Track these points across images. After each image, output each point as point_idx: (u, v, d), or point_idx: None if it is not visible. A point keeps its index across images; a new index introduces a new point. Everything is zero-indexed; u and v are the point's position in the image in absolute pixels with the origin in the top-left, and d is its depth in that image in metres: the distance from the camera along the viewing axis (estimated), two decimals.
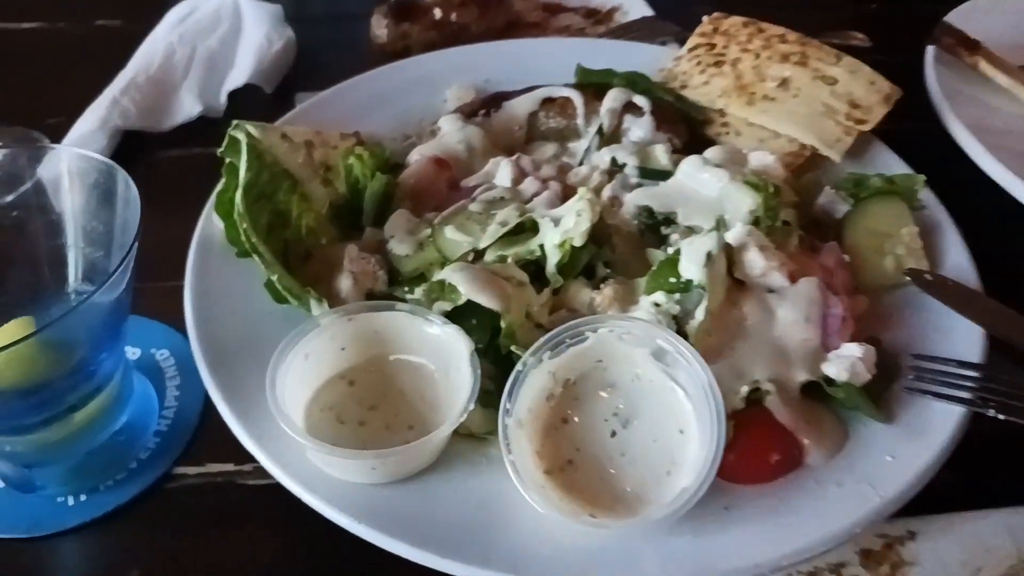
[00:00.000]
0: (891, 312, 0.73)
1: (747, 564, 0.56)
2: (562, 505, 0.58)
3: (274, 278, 0.68)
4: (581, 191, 0.73)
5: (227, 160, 0.73)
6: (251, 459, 0.70)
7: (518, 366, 0.61)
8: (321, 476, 0.61)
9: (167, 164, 1.01)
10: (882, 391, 0.66)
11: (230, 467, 0.72)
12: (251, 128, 0.73)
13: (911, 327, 0.72)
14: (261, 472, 0.70)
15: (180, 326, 0.74)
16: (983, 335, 0.69)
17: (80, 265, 0.71)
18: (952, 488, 0.66)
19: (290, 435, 0.60)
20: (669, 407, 0.62)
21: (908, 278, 0.74)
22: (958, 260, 0.77)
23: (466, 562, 0.56)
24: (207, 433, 0.75)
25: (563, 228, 0.70)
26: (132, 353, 0.79)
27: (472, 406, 0.60)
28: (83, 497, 0.69)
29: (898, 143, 0.90)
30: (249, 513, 0.70)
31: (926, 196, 0.83)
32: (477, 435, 0.64)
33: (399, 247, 0.72)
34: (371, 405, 0.64)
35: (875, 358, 0.65)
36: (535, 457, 0.61)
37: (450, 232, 0.71)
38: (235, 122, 0.75)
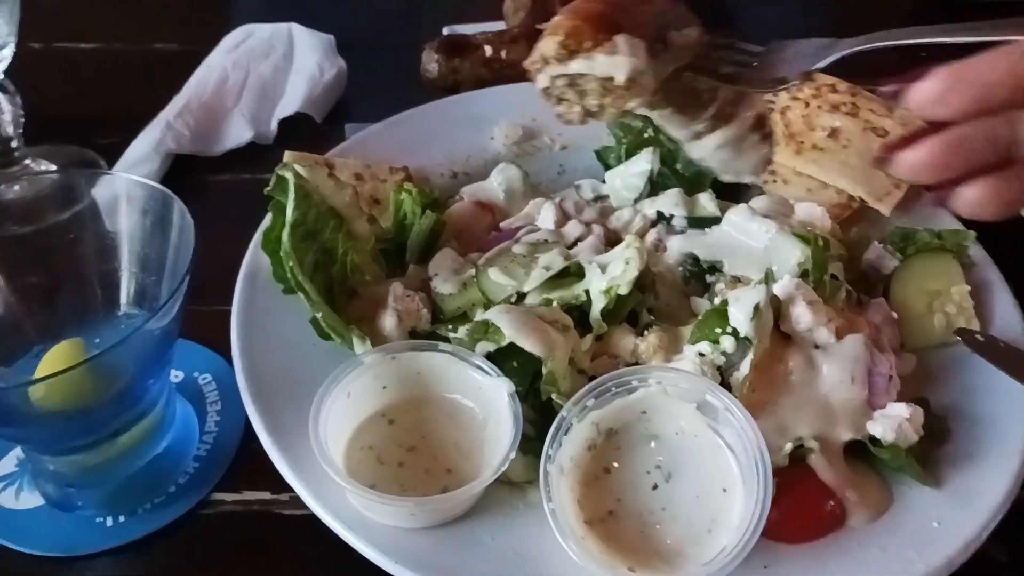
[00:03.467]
0: (939, 372, 0.72)
1: None
2: (601, 558, 0.57)
3: (319, 316, 0.69)
4: (629, 238, 0.73)
5: (274, 198, 0.74)
6: (288, 489, 0.71)
7: (562, 412, 0.61)
8: (359, 514, 0.61)
9: (216, 188, 1.03)
10: (929, 454, 0.65)
11: (267, 495, 0.73)
12: (299, 168, 0.74)
13: (960, 388, 0.70)
14: (297, 503, 0.70)
15: (224, 351, 0.75)
16: None
17: (132, 290, 0.72)
18: (1001, 561, 0.66)
19: (333, 480, 0.60)
20: (714, 464, 0.61)
21: (957, 338, 0.73)
22: (1010, 320, 0.76)
23: None
24: (246, 460, 0.75)
25: (610, 275, 0.70)
26: (175, 376, 0.79)
27: (513, 454, 0.60)
28: (121, 519, 0.70)
29: None
30: (284, 543, 0.70)
31: (976, 252, 0.82)
32: (515, 482, 0.64)
33: (443, 286, 0.72)
34: (410, 446, 0.64)
35: (922, 419, 0.64)
36: (576, 507, 0.60)
37: (494, 274, 0.71)
38: (284, 162, 0.76)
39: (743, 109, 0.66)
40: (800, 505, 0.61)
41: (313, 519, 0.69)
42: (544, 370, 0.64)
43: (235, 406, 0.76)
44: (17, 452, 0.74)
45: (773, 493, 0.59)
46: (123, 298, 0.72)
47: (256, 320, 0.72)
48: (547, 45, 0.58)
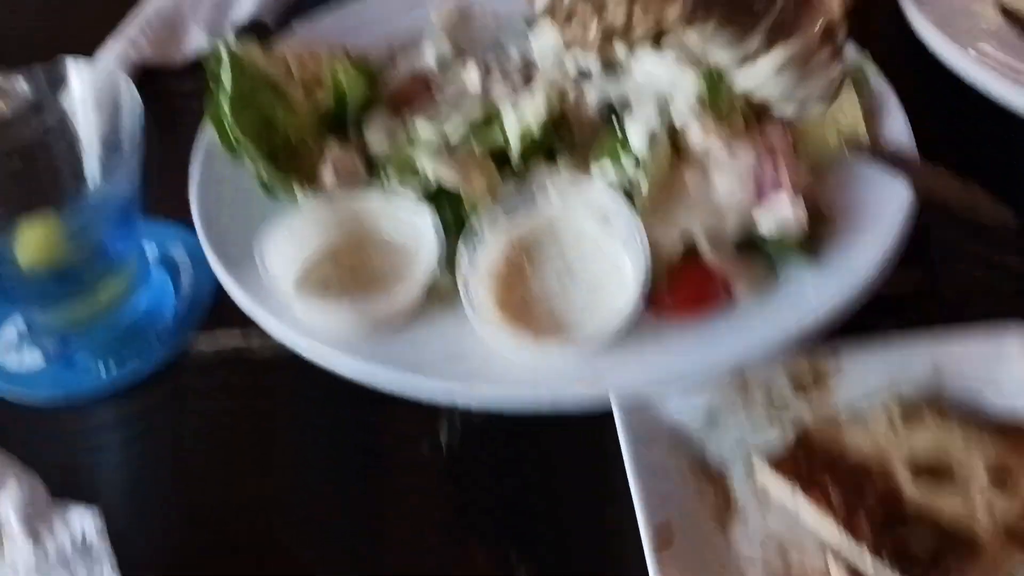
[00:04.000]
0: (829, 180, 0.78)
1: (676, 373, 0.65)
2: (512, 334, 0.67)
3: (262, 174, 0.77)
4: (540, 82, 0.80)
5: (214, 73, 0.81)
6: (257, 332, 0.81)
7: (473, 222, 0.70)
8: (313, 330, 0.70)
9: (181, 97, 1.11)
10: (812, 241, 0.73)
11: (239, 340, 0.82)
12: (232, 43, 0.81)
13: (847, 190, 0.77)
14: (264, 344, 0.81)
15: (194, 229, 0.82)
16: (914, 195, 0.75)
17: (96, 168, 0.80)
18: (877, 325, 0.74)
19: (283, 298, 0.70)
20: (610, 258, 0.70)
21: (848, 149, 0.80)
22: (898, 132, 0.82)
23: (440, 378, 0.66)
24: (218, 315, 0.85)
25: (523, 115, 0.77)
26: (150, 250, 0.89)
27: (438, 266, 0.69)
28: (113, 369, 0.80)
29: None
30: (255, 375, 0.80)
31: (874, 80, 0.88)
32: (444, 298, 0.72)
33: (375, 139, 0.80)
34: (353, 277, 0.73)
35: (805, 213, 0.72)
36: (494, 303, 0.69)
37: (421, 126, 0.79)
38: (217, 40, 0.83)
39: (807, 17, 0.55)
40: (691, 289, 0.70)
41: (276, 356, 0.80)
42: (465, 202, 0.73)
43: (206, 272, 0.86)
44: (18, 324, 0.84)
45: (663, 277, 0.68)
46: (89, 176, 0.80)
47: (212, 181, 0.81)
48: None
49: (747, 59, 0.56)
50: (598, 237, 0.71)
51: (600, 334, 0.67)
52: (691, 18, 0.53)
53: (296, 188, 0.76)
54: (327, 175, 0.78)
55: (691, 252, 0.71)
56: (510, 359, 0.68)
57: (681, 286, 0.70)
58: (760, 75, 0.57)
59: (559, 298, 0.70)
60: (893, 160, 0.79)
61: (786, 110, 0.59)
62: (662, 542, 0.62)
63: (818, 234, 0.74)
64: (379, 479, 0.73)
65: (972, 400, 0.70)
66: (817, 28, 0.55)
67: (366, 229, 0.75)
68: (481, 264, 0.70)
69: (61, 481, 0.69)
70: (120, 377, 0.80)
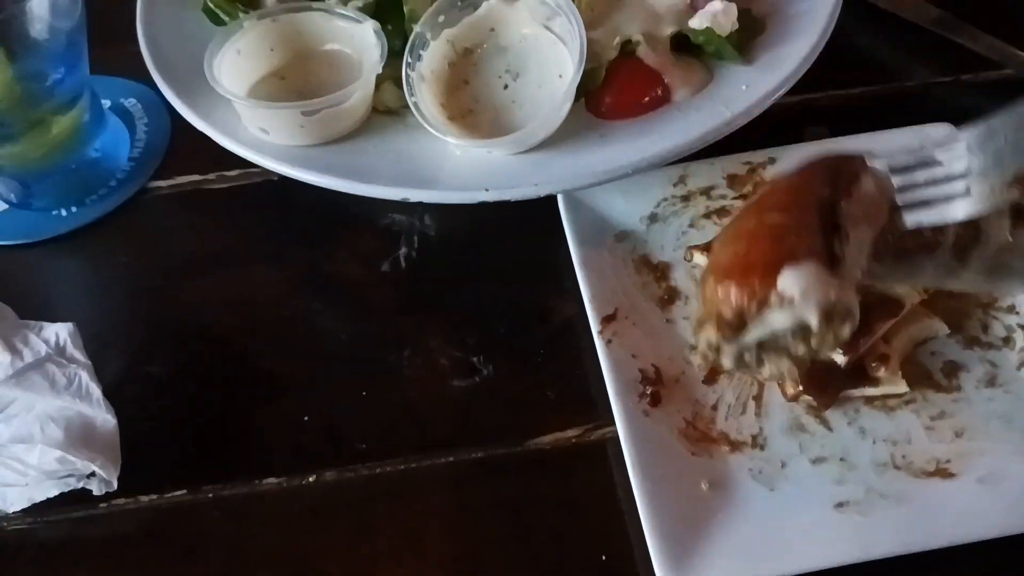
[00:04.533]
0: None
1: (617, 166, 0.68)
2: (461, 135, 0.69)
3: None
4: None
5: None
6: (214, 169, 0.84)
7: (416, 28, 0.72)
8: (258, 138, 0.72)
9: None
10: (746, 42, 0.75)
11: (196, 177, 0.84)
12: None
13: None
14: (223, 179, 0.84)
15: (148, 82, 0.82)
16: None
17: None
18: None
19: (227, 115, 0.72)
20: (551, 56, 0.72)
21: None
22: None
23: (380, 184, 0.68)
24: (174, 158, 0.86)
25: None
26: (104, 103, 0.89)
27: (383, 63, 0.71)
28: (73, 209, 0.82)
29: None
30: (216, 209, 0.82)
31: None
32: (395, 111, 0.75)
33: None
34: (300, 93, 0.74)
35: (735, 12, 0.74)
36: (439, 108, 0.72)
37: None
38: None
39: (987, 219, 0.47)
40: (630, 88, 0.72)
41: (234, 190, 0.83)
42: (406, 10, 0.74)
43: (160, 118, 0.89)
44: None
45: (600, 78, 0.71)
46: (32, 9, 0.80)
47: (158, 19, 0.81)
48: (705, 336, 0.47)
49: (949, 274, 0.50)
50: (540, 37, 0.72)
51: (542, 132, 0.69)
52: (872, 279, 0.49)
53: (240, 11, 0.77)
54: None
55: (630, 54, 0.73)
56: (457, 160, 0.70)
57: (620, 87, 0.72)
58: (970, 283, 0.52)
59: (503, 99, 0.72)
60: None
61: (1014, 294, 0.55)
62: (607, 328, 0.67)
63: (750, 35, 0.76)
64: (342, 299, 0.76)
65: None
66: (1004, 215, 0.48)
67: (310, 45, 0.76)
68: (425, 69, 0.72)
69: (28, 314, 0.71)
70: (80, 217, 0.82)
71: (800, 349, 0.46)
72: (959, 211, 0.47)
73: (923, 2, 0.82)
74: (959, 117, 0.80)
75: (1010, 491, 0.57)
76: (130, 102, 0.91)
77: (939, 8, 0.82)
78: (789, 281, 0.45)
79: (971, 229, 0.49)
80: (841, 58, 0.84)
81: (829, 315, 0.45)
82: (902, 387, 0.62)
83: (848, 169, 0.50)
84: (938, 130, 0.77)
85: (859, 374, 0.62)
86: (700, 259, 0.70)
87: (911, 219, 0.47)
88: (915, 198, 0.47)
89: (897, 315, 0.64)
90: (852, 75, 0.89)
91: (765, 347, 0.47)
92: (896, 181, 0.48)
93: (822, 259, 0.45)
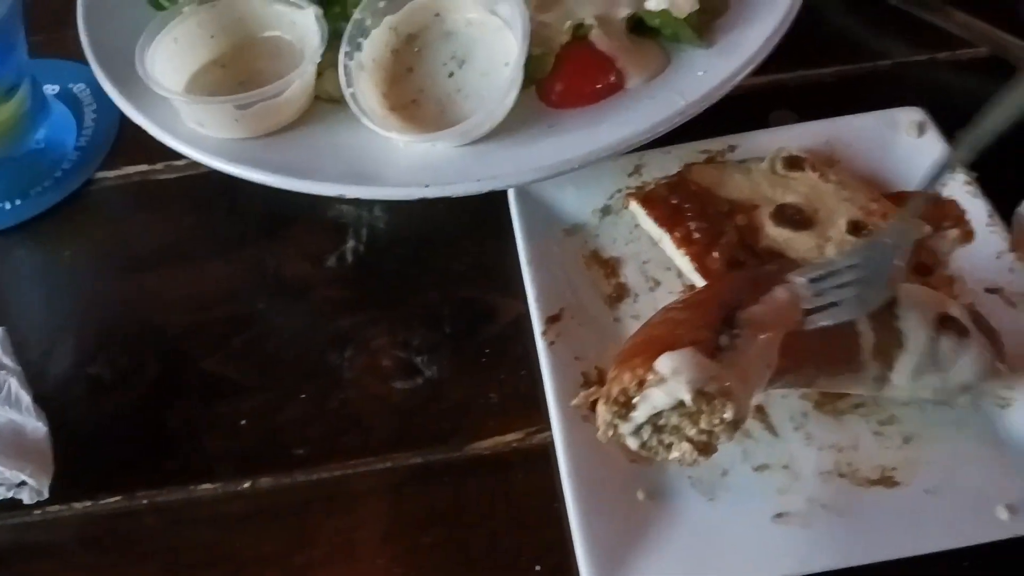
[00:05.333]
0: None
1: (563, 160, 0.65)
2: (401, 128, 0.67)
3: None
4: None
5: None
6: (162, 159, 0.82)
7: (355, 15, 0.68)
8: (196, 133, 0.69)
9: None
10: (707, 24, 0.72)
11: (144, 167, 0.82)
12: None
13: None
14: (171, 169, 0.82)
15: None
16: None
17: None
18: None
19: (165, 107, 0.69)
20: (497, 43, 0.69)
21: None
22: None
23: (315, 179, 0.65)
24: (122, 147, 0.85)
25: None
26: (51, 89, 0.88)
27: (319, 58, 0.68)
28: (18, 202, 0.80)
29: None
30: (163, 202, 0.81)
31: None
32: (338, 99, 0.71)
33: None
34: (240, 81, 0.72)
35: None
36: (381, 98, 0.69)
37: None
38: None
39: (907, 318, 0.54)
40: (581, 75, 0.69)
41: (182, 180, 0.81)
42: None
43: (107, 105, 0.84)
44: None
45: (548, 65, 0.68)
46: None
47: (98, 3, 0.78)
48: (601, 413, 0.51)
49: (879, 382, 0.55)
50: (487, 23, 0.69)
51: (486, 124, 0.66)
52: (783, 384, 0.54)
53: None
54: None
55: (582, 39, 0.70)
56: (399, 154, 0.67)
57: (571, 74, 0.69)
58: (904, 390, 0.56)
59: (448, 88, 0.69)
60: None
61: (959, 402, 0.58)
62: (551, 329, 0.64)
63: (712, 16, 0.72)
64: (286, 297, 0.73)
65: (867, 168, 0.72)
66: (925, 321, 0.54)
67: (250, 32, 0.73)
68: (366, 58, 0.69)
69: None
70: (24, 211, 0.80)
71: (691, 429, 0.49)
72: (844, 314, 0.53)
73: None
74: (934, 96, 0.79)
75: (954, 502, 0.56)
76: (79, 87, 0.88)
77: None
78: (664, 362, 0.49)
79: (893, 335, 0.55)
80: (814, 38, 0.82)
81: (704, 394, 0.48)
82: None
83: (765, 280, 0.55)
84: (907, 114, 0.74)
85: None
86: (636, 208, 0.69)
87: (809, 321, 0.53)
88: (818, 304, 0.54)
89: None
90: (825, 55, 0.85)
91: (660, 429, 0.50)
92: (808, 290, 0.54)
93: (702, 347, 0.49)
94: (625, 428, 0.50)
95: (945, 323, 0.54)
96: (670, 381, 0.47)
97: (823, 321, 0.53)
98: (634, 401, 0.48)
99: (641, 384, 0.48)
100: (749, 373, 0.49)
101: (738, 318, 0.50)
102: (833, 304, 0.53)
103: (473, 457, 0.63)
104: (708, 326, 0.49)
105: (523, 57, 0.64)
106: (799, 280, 0.54)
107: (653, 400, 0.48)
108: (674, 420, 0.49)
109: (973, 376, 0.55)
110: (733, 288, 0.54)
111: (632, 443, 0.51)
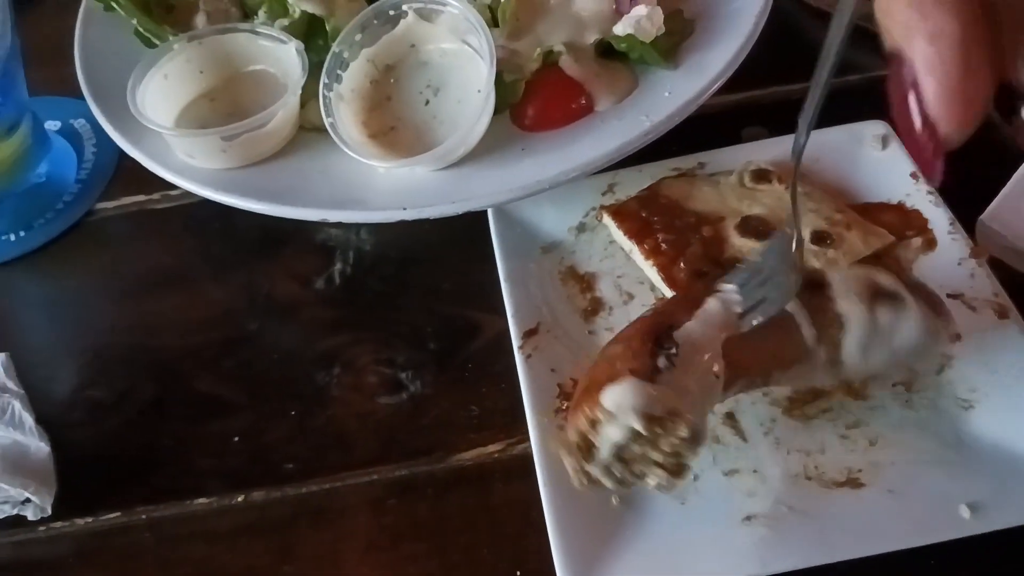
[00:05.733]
0: None
1: (535, 181, 0.67)
2: (380, 155, 0.70)
3: (134, 22, 0.78)
4: None
5: None
6: (157, 188, 0.85)
7: (334, 48, 0.72)
8: (185, 163, 0.73)
9: None
10: (674, 46, 0.74)
11: (141, 197, 0.86)
12: None
13: None
14: (167, 198, 0.85)
15: None
16: None
17: None
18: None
19: (159, 140, 0.72)
20: (470, 71, 0.72)
21: None
22: None
23: (299, 205, 0.68)
24: (120, 178, 0.89)
25: None
26: (52, 124, 0.92)
27: (299, 91, 0.71)
28: (22, 233, 0.84)
29: None
30: (160, 229, 0.84)
31: None
32: (321, 128, 0.74)
33: None
34: (228, 114, 0.75)
35: (661, 17, 0.73)
36: (360, 126, 0.72)
37: None
38: None
39: (841, 300, 0.54)
40: (551, 100, 0.72)
41: (178, 209, 0.84)
42: (328, 28, 0.74)
43: (107, 139, 0.88)
44: None
45: (519, 92, 0.71)
46: None
47: (95, 41, 0.82)
48: (568, 464, 0.52)
49: (832, 364, 0.55)
50: (460, 53, 0.72)
51: (460, 148, 0.69)
52: (737, 390, 0.55)
53: (169, 33, 0.77)
54: (199, 20, 0.79)
55: (553, 65, 0.73)
56: (379, 179, 0.70)
57: (542, 99, 0.72)
58: (858, 367, 0.56)
59: (425, 115, 0.72)
60: None
61: (918, 366, 0.60)
62: (528, 343, 0.67)
63: (679, 38, 0.75)
64: (277, 319, 0.77)
65: (834, 180, 0.74)
66: (856, 292, 0.55)
67: (236, 66, 0.77)
68: (345, 89, 0.72)
69: None
70: (28, 241, 0.83)
71: (656, 454, 0.50)
72: (772, 307, 0.54)
73: None
74: None
75: (918, 501, 0.57)
76: (79, 122, 0.92)
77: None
78: (608, 397, 0.50)
79: (832, 319, 0.55)
80: (785, 54, 0.83)
81: (653, 418, 0.49)
82: None
83: (696, 296, 0.56)
84: (871, 128, 0.76)
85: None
86: (608, 220, 0.72)
87: (744, 324, 0.54)
88: (749, 304, 0.55)
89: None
90: (796, 71, 0.86)
91: (627, 461, 0.51)
92: (737, 294, 0.55)
93: (640, 374, 0.50)
94: (594, 470, 0.51)
95: (878, 294, 0.54)
96: (618, 414, 0.48)
97: (757, 319, 0.54)
98: (594, 442, 0.50)
99: (594, 424, 0.49)
100: (695, 387, 0.50)
101: (673, 337, 0.51)
102: (763, 300, 0.54)
103: (455, 469, 0.65)
104: (643, 353, 0.50)
105: (491, 86, 0.67)
106: (727, 287, 0.56)
107: (610, 436, 0.49)
108: (636, 449, 0.49)
109: (917, 339, 0.55)
110: (664, 311, 0.55)
111: (607, 482, 0.51)
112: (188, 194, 0.82)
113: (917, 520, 0.57)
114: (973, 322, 0.64)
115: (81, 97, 0.91)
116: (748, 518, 0.58)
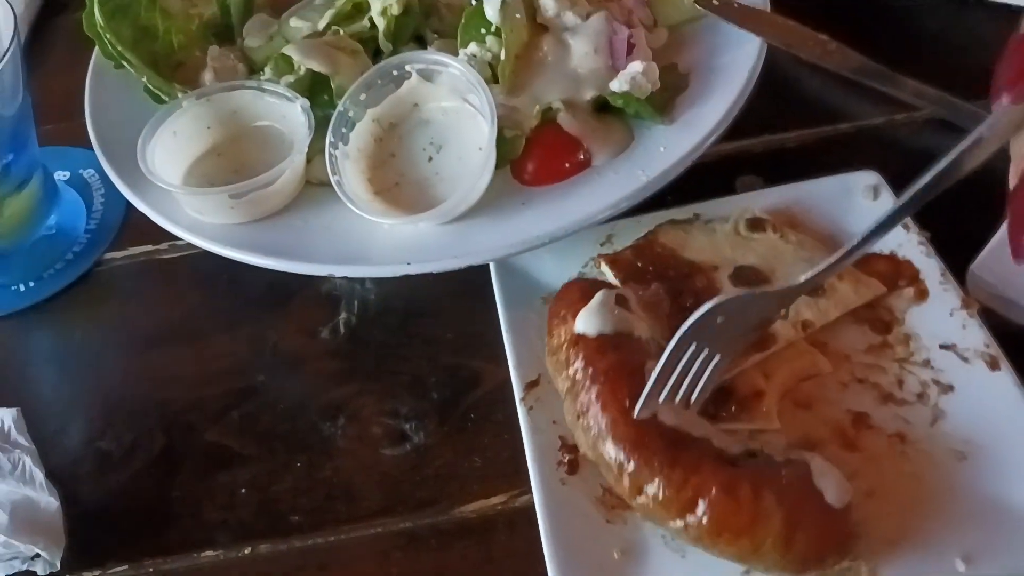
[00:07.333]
0: (689, 41, 0.82)
1: (535, 236, 0.69)
2: (386, 212, 0.72)
3: (144, 79, 0.80)
4: None
5: None
6: (164, 239, 0.87)
7: (339, 107, 0.74)
8: (194, 220, 0.75)
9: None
10: (669, 101, 0.76)
11: (149, 247, 0.88)
12: None
13: (705, 50, 0.81)
14: (174, 248, 0.87)
15: None
16: (762, 43, 0.78)
17: None
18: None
19: (167, 194, 0.74)
20: (472, 130, 0.74)
21: (702, 10, 0.82)
22: None
23: (306, 260, 0.70)
24: (129, 228, 0.90)
25: None
26: (62, 175, 0.94)
27: (306, 149, 0.73)
28: (31, 284, 0.86)
29: None
30: (168, 280, 0.86)
31: None
32: (325, 182, 0.76)
33: (253, 40, 0.83)
34: (234, 170, 0.77)
35: (657, 73, 0.76)
36: (366, 183, 0.74)
37: (293, 21, 0.82)
38: None
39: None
40: (550, 155, 0.74)
41: (183, 259, 0.86)
42: (333, 86, 0.76)
43: (115, 190, 0.89)
44: None
45: (519, 148, 0.73)
46: None
47: (105, 95, 0.84)
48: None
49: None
50: (460, 111, 0.74)
51: (462, 205, 0.71)
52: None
53: (178, 90, 0.79)
54: (207, 77, 0.81)
55: (551, 121, 0.75)
56: (384, 233, 0.72)
57: (541, 154, 0.74)
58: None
59: (427, 172, 0.74)
60: (743, 15, 0.82)
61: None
62: (530, 395, 0.68)
63: (674, 92, 0.77)
64: (283, 371, 0.78)
65: (826, 229, 0.75)
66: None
67: (243, 122, 0.79)
68: (352, 147, 0.74)
69: None
70: (38, 292, 0.85)
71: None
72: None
73: (847, 51, 0.82)
74: (893, 155, 0.83)
75: (914, 552, 0.58)
76: (89, 173, 0.94)
77: (862, 57, 0.83)
78: None
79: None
80: (778, 105, 0.86)
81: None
82: (774, 424, 0.64)
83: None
84: (863, 177, 0.77)
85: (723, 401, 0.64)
86: (605, 268, 0.73)
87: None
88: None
89: (767, 350, 0.66)
90: (788, 121, 0.89)
91: None
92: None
93: None
94: None
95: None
96: None
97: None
98: None
99: None
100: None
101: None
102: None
103: (459, 520, 0.67)
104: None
105: (492, 145, 0.69)
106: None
107: None
108: None
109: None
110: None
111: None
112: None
113: (913, 572, 0.58)
114: (966, 374, 0.66)
115: (90, 147, 0.94)
116: (747, 571, 0.60)
